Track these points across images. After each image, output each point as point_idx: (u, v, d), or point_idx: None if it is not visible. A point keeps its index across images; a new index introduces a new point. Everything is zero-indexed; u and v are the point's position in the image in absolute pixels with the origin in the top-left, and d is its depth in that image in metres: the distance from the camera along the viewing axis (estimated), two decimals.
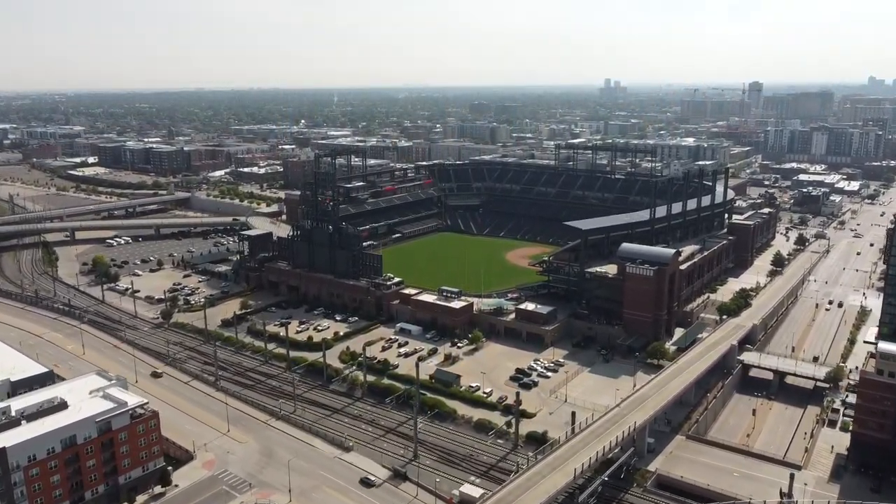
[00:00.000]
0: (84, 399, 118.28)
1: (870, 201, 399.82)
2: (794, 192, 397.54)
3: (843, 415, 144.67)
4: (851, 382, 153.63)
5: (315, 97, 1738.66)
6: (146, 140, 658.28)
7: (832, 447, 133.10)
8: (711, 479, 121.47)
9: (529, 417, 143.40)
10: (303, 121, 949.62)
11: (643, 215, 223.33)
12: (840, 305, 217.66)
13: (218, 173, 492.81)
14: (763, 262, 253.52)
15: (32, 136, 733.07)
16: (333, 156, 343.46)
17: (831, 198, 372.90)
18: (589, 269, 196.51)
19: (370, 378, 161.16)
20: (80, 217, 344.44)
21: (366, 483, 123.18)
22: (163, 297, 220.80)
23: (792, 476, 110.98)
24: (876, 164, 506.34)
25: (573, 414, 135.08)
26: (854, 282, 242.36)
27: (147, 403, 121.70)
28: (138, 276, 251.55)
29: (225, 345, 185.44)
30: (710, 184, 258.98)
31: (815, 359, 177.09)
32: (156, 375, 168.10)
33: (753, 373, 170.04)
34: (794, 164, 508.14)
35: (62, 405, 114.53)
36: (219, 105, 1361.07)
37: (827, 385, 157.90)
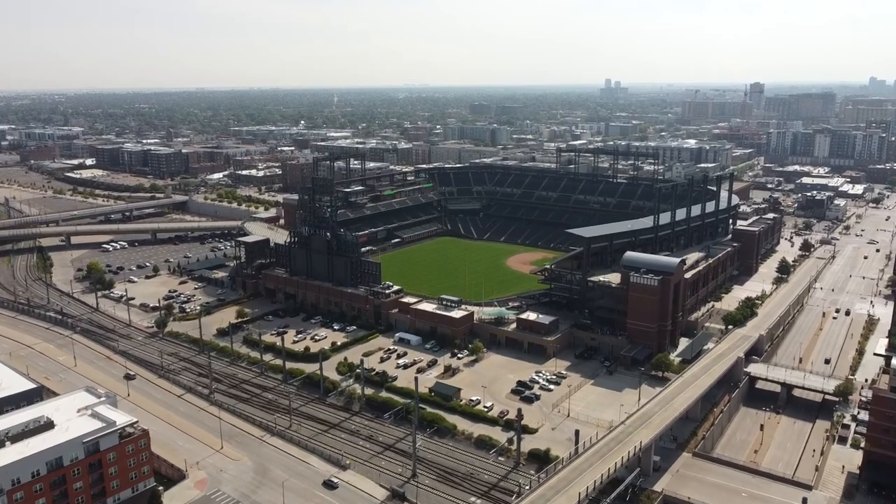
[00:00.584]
0: (72, 418, 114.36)
1: (874, 205, 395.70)
2: (798, 195, 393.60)
3: (855, 431, 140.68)
4: (863, 398, 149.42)
5: (315, 97, 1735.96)
6: (144, 142, 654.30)
7: (843, 467, 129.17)
8: (720, 499, 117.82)
9: (531, 433, 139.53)
10: (302, 122, 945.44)
11: (647, 222, 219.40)
12: (847, 314, 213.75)
13: (216, 176, 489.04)
14: (768, 268, 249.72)
15: (31, 138, 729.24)
16: (332, 160, 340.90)
17: (836, 202, 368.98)
18: (592, 278, 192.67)
19: (368, 391, 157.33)
20: (75, 221, 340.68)
21: (328, 485, 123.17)
22: (158, 304, 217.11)
23: (804, 500, 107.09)
24: (880, 166, 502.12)
25: (577, 432, 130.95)
26: (861, 289, 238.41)
27: (137, 422, 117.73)
28: (133, 282, 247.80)
29: (220, 355, 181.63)
30: (714, 189, 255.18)
31: (827, 361, 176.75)
32: (129, 378, 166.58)
33: (760, 385, 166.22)
34: (797, 167, 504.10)
35: (48, 425, 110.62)
36: (218, 105, 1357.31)
37: (836, 399, 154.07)
